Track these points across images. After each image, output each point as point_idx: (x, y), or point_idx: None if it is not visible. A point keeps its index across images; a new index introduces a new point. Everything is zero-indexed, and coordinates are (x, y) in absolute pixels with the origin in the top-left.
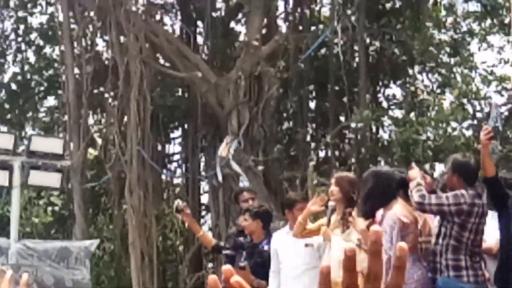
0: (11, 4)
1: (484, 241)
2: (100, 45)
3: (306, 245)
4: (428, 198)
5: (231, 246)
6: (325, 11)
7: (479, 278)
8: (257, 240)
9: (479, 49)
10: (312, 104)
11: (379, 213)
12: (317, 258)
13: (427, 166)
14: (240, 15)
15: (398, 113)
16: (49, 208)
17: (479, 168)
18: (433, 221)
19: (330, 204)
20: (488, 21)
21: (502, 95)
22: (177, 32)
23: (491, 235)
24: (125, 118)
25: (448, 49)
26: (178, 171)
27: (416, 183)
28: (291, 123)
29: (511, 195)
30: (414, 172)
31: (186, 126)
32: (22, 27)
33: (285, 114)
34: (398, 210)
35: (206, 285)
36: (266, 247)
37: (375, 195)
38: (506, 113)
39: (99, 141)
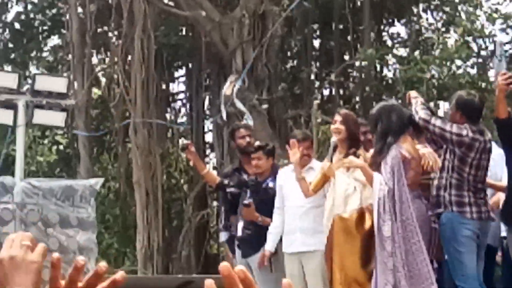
0: None
1: (501, 181)
2: None
3: (311, 183)
4: (434, 118)
5: (235, 183)
6: None
7: (482, 215)
8: (263, 178)
9: None
10: (316, 43)
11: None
12: (321, 197)
13: (431, 104)
14: None
15: (402, 52)
16: (54, 147)
17: (483, 106)
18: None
19: (332, 140)
20: None
21: (507, 33)
22: None
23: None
24: (129, 57)
25: None
26: (183, 110)
27: (420, 101)
28: (295, 61)
29: None
30: (414, 92)
31: (190, 65)
32: None
33: (289, 53)
34: (402, 144)
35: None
36: (271, 184)
37: (391, 131)
38: (511, 52)
39: (103, 80)
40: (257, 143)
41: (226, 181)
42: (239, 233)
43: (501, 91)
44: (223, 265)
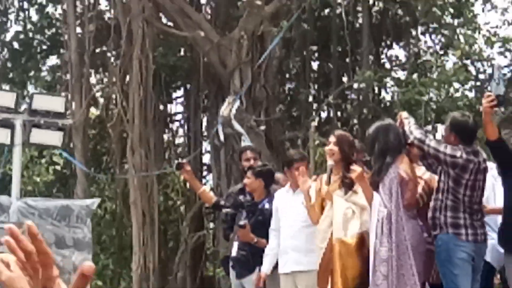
0: None
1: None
2: (103, 4)
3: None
4: (428, 139)
5: (231, 204)
6: None
7: (478, 237)
8: (258, 199)
9: (482, 10)
10: (314, 65)
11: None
12: None
13: (429, 127)
14: None
15: (400, 74)
16: (51, 167)
17: (477, 128)
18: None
19: (329, 163)
20: None
21: (505, 57)
22: None
23: None
24: (127, 78)
25: (451, 10)
26: (180, 130)
27: (412, 122)
28: (293, 83)
29: None
30: (405, 113)
31: (188, 85)
32: None
33: (287, 75)
34: (400, 164)
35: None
36: (267, 206)
37: (389, 150)
38: (509, 75)
39: (101, 100)
40: (258, 163)
41: (222, 202)
42: (234, 253)
43: (487, 114)
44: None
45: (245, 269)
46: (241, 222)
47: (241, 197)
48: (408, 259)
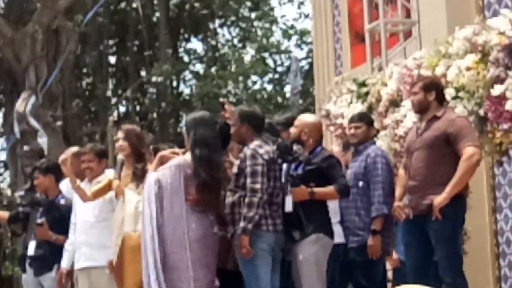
0: None
1: None
2: None
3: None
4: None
5: (27, 202)
6: None
7: (278, 227)
8: (52, 195)
9: (279, 3)
10: (112, 59)
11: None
12: (108, 211)
13: None
14: None
15: (199, 67)
16: None
17: (265, 117)
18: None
19: (119, 158)
20: None
21: (302, 49)
22: None
23: None
24: None
25: (248, 3)
26: None
27: None
28: (91, 78)
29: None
30: None
31: None
32: None
33: (85, 69)
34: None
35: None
36: (62, 201)
37: (201, 144)
38: (306, 67)
39: None
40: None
41: (18, 200)
42: (31, 252)
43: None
44: None
45: (43, 267)
46: (39, 221)
47: (37, 195)
48: (184, 252)
